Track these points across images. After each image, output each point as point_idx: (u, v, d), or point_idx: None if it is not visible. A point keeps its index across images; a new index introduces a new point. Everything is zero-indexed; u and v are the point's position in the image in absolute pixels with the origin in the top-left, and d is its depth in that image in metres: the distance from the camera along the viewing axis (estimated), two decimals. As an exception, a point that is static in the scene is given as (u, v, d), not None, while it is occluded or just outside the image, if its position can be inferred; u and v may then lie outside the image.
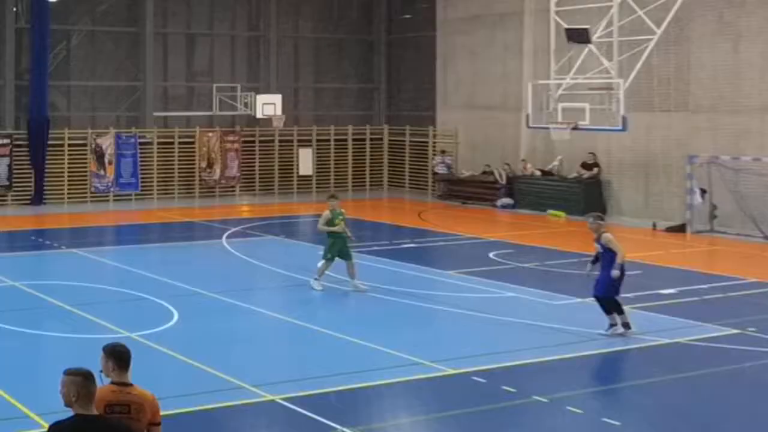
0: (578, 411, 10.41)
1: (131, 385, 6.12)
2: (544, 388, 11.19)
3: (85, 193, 30.26)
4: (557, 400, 10.74)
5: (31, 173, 29.58)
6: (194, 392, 11.05)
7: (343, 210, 17.11)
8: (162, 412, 10.10)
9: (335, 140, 34.18)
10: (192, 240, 23.80)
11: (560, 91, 22.23)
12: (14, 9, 30.03)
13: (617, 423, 10.07)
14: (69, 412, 5.75)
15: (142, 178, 30.96)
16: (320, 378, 11.54)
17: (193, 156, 31.87)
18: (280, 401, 10.71)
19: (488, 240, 22.36)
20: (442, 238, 22.62)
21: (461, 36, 32.09)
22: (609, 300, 13.80)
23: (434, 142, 33.24)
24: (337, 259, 16.69)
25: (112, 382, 6.11)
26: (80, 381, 5.62)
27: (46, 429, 9.51)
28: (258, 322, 14.83)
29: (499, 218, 27.43)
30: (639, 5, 21.51)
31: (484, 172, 30.84)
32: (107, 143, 30.39)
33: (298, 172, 33.36)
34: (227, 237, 23.16)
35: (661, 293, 16.69)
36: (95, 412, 5.52)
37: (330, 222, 16.76)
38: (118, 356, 6.15)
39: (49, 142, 29.60)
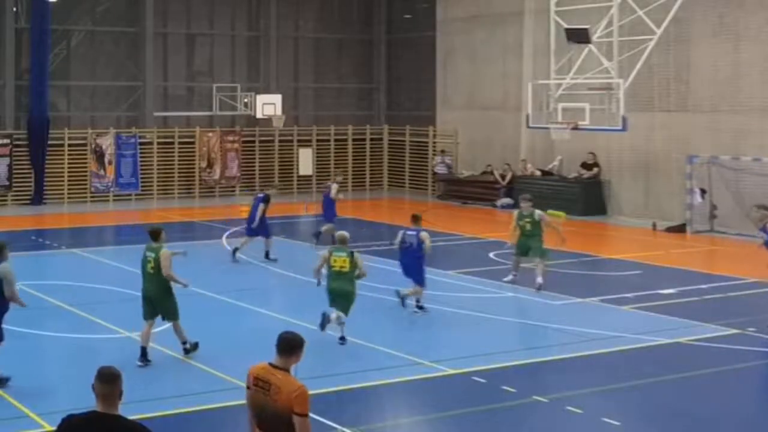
0: (578, 411, 10.41)
1: (284, 370, 6.47)
2: (544, 388, 11.19)
3: (85, 193, 30.27)
4: (557, 400, 10.75)
5: (31, 173, 29.59)
6: (194, 392, 11.05)
7: (534, 212, 17.32)
8: (162, 412, 10.20)
9: (335, 140, 34.19)
10: (192, 240, 23.75)
11: (560, 91, 22.22)
12: (14, 9, 30.04)
13: (617, 423, 10.07)
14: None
15: (142, 178, 30.97)
16: (320, 378, 11.53)
17: (193, 156, 31.88)
18: (280, 401, 10.69)
19: (488, 240, 22.36)
20: (442, 238, 22.59)
21: (461, 36, 32.09)
22: None
23: (434, 142, 33.24)
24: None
25: (269, 363, 6.53)
26: (95, 378, 5.66)
27: (45, 429, 9.56)
28: (258, 322, 14.82)
29: (499, 218, 27.41)
30: (639, 5, 21.50)
31: (485, 172, 30.85)
32: (107, 143, 30.40)
33: (298, 172, 33.36)
34: (227, 237, 23.16)
35: (661, 293, 16.69)
36: (116, 411, 5.55)
37: (515, 223, 17.47)
38: (278, 342, 6.55)
39: (49, 142, 29.61)
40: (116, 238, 25.35)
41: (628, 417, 10.36)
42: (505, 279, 17.60)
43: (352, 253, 13.75)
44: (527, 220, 17.36)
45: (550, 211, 19.98)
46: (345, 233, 14.20)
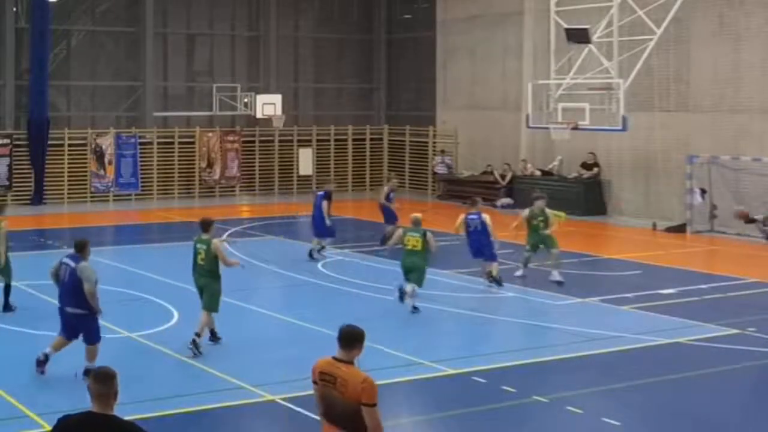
0: (578, 411, 10.41)
1: (349, 363, 6.62)
2: (544, 388, 11.19)
3: (85, 193, 30.26)
4: (557, 400, 10.74)
5: (31, 173, 29.58)
6: (194, 392, 11.05)
7: (547, 211, 17.96)
8: (162, 412, 10.21)
9: (335, 140, 34.18)
10: (192, 240, 23.72)
11: (560, 91, 22.22)
12: (14, 9, 30.04)
13: (617, 423, 10.07)
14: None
15: (142, 178, 30.97)
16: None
17: (193, 156, 31.88)
18: (280, 401, 10.71)
19: (488, 240, 22.33)
20: (442, 238, 22.57)
21: (461, 36, 32.08)
22: None
23: (434, 142, 33.24)
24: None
25: (333, 357, 6.68)
26: (90, 378, 5.67)
27: (45, 429, 9.56)
28: (258, 322, 14.83)
29: (499, 218, 27.40)
30: (639, 5, 21.50)
31: (485, 172, 30.84)
32: (107, 143, 30.40)
33: (298, 172, 33.36)
34: (227, 237, 23.13)
35: (661, 293, 16.69)
36: (111, 412, 5.56)
37: (529, 220, 17.98)
38: (340, 335, 6.73)
39: (49, 142, 29.60)
40: (116, 238, 25.33)
41: (628, 417, 10.36)
42: (516, 273, 17.96)
43: (425, 233, 15.42)
44: (540, 219, 17.88)
45: (551, 211, 20.06)
46: (419, 215, 15.99)
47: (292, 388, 11.08)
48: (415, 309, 15.12)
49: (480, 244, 17.03)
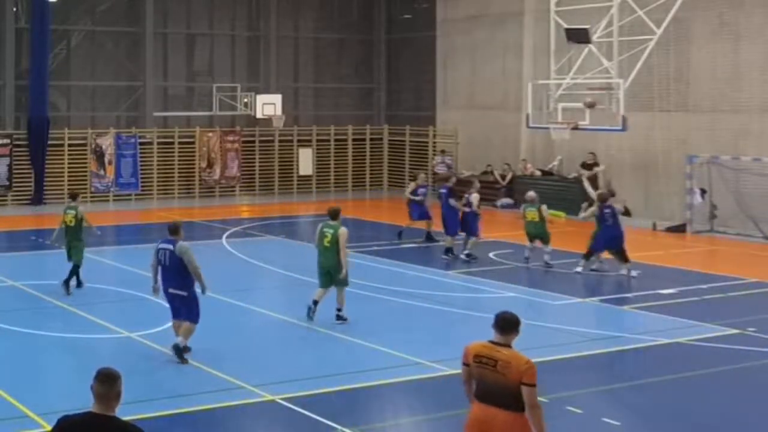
0: (578, 411, 10.41)
1: (507, 346, 7.17)
2: (544, 388, 11.12)
3: (85, 193, 30.24)
4: (557, 400, 10.74)
5: (31, 173, 29.58)
6: (194, 392, 11.06)
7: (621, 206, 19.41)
8: (162, 412, 10.21)
9: (335, 140, 34.18)
10: (192, 240, 23.59)
11: (560, 91, 22.22)
12: (14, 9, 30.04)
13: (617, 423, 10.07)
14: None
15: (142, 178, 30.97)
16: (320, 378, 11.55)
17: (193, 156, 31.88)
18: (280, 401, 10.71)
19: (488, 240, 22.32)
20: (442, 237, 22.59)
21: (461, 36, 32.08)
22: None
23: (434, 142, 33.24)
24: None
25: (490, 341, 7.25)
26: (94, 378, 5.67)
27: (45, 429, 9.56)
28: (258, 322, 14.83)
29: (499, 218, 27.42)
30: (639, 5, 21.50)
31: (485, 172, 30.83)
32: (107, 143, 30.40)
33: (298, 172, 33.36)
34: (227, 237, 23.16)
35: (661, 293, 16.69)
36: (112, 413, 5.56)
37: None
38: (497, 322, 7.30)
39: (49, 142, 29.60)
40: (116, 238, 25.32)
41: (628, 417, 10.37)
42: (593, 267, 18.78)
43: (539, 208, 19.09)
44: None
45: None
46: (533, 193, 19.60)
47: (292, 388, 11.09)
48: (547, 264, 18.67)
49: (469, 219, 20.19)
